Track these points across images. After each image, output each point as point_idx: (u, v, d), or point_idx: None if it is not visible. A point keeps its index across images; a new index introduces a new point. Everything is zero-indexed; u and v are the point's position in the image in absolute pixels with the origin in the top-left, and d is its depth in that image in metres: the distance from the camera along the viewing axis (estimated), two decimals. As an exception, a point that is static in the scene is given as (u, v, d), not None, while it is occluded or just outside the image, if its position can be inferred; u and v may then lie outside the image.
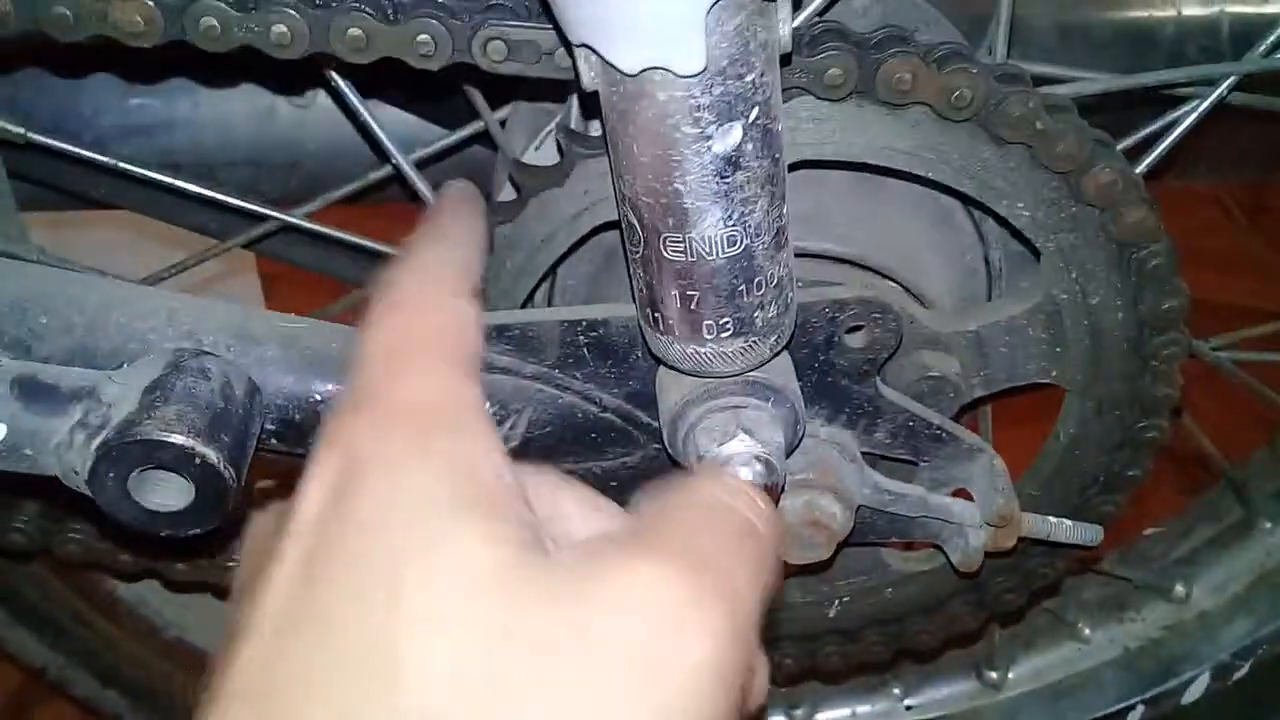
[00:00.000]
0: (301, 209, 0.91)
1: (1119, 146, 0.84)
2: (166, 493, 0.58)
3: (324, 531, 0.45)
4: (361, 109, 0.81)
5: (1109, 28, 1.12)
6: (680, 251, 0.57)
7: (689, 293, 0.58)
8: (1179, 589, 1.15)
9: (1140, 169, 0.79)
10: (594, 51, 0.51)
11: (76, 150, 0.82)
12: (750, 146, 0.54)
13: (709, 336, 0.60)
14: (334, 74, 0.78)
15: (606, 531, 0.53)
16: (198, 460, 0.56)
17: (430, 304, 0.55)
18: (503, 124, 0.92)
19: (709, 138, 0.53)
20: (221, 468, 0.56)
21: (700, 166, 0.54)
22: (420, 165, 0.93)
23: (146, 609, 1.05)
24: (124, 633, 1.07)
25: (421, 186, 0.83)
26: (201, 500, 0.57)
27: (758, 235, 0.57)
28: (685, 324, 0.60)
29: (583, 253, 0.79)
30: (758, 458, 0.63)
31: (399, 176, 0.86)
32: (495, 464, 0.48)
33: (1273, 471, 1.13)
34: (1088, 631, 1.18)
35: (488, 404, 0.70)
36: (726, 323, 0.59)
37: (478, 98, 0.86)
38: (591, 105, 0.56)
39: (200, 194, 0.89)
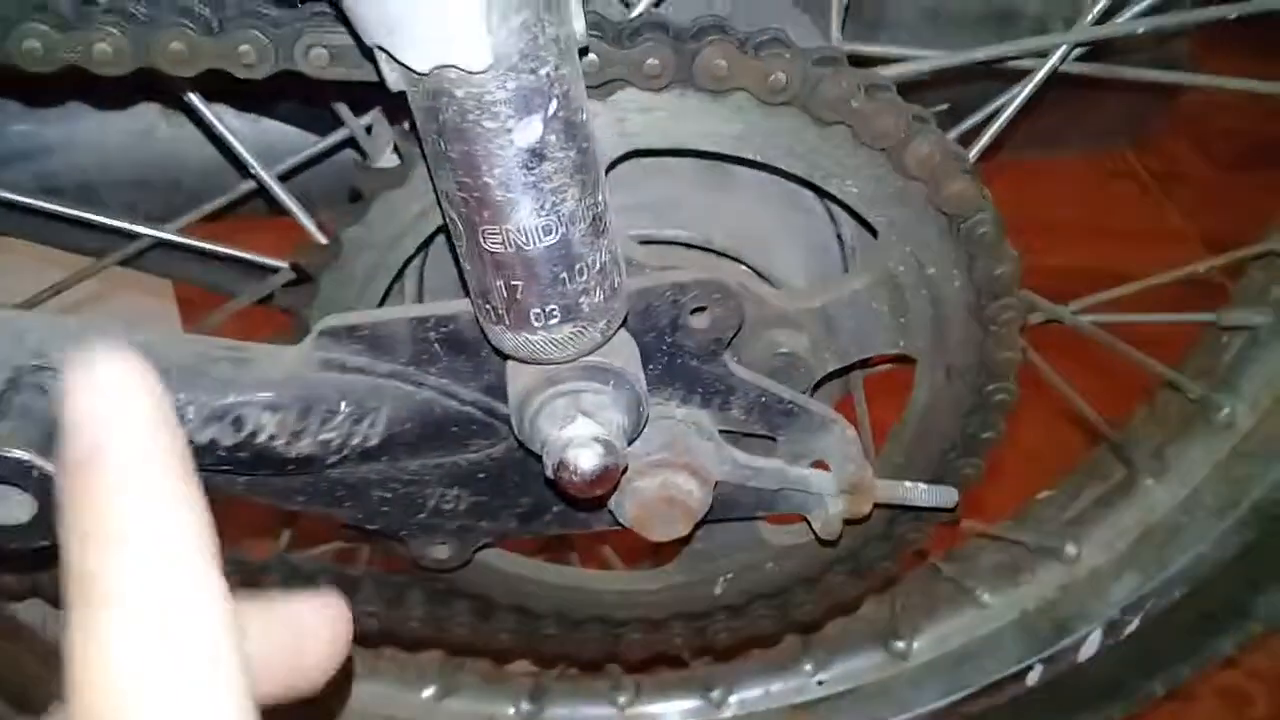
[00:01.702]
0: (173, 224, 0.92)
1: (962, 127, 0.88)
2: (10, 506, 0.59)
3: None
4: (217, 124, 0.82)
5: (974, 7, 1.16)
6: (499, 243, 0.59)
7: (513, 282, 0.60)
8: (1070, 549, 1.18)
9: (976, 149, 0.82)
10: (387, 53, 0.53)
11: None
12: (553, 138, 0.56)
13: (538, 324, 0.62)
14: (190, 93, 0.80)
15: None
16: (35, 473, 0.57)
17: None
18: (370, 130, 0.94)
19: (510, 131, 0.55)
20: (59, 478, 0.57)
21: (505, 160, 0.56)
22: (291, 174, 0.94)
23: (47, 630, 1.05)
24: (30, 655, 1.07)
25: (284, 197, 0.85)
26: (45, 512, 0.58)
27: (573, 223, 0.59)
28: (514, 313, 0.62)
29: (443, 253, 0.81)
30: (597, 439, 0.65)
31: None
32: None
33: (1151, 430, 1.17)
34: (986, 597, 1.21)
35: (344, 403, 0.72)
36: (553, 310, 0.61)
37: (342, 105, 0.88)
38: (402, 106, 0.58)
39: (71, 215, 0.90)
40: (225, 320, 0.94)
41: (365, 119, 0.91)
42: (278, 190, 0.84)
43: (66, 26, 0.63)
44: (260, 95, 0.93)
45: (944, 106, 1.15)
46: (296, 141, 1.00)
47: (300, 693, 0.48)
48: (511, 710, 1.22)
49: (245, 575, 0.92)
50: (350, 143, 0.95)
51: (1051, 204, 2.59)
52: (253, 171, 0.84)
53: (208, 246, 0.88)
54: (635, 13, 0.73)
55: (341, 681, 0.52)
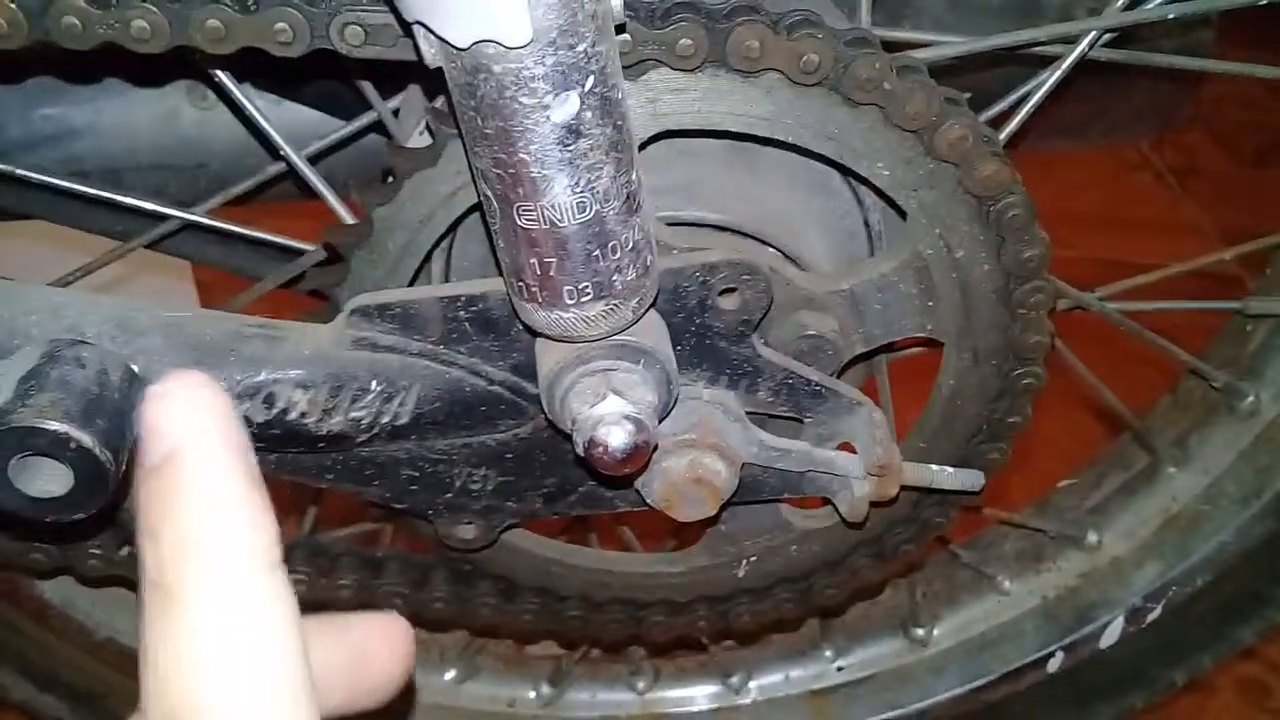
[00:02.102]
0: (201, 207, 0.93)
1: (991, 111, 0.88)
2: (47, 479, 0.59)
3: None
4: (248, 105, 0.83)
5: (997, -8, 1.15)
6: (533, 220, 0.59)
7: (546, 260, 0.61)
8: (1092, 537, 1.18)
9: (1006, 132, 0.82)
10: (427, 28, 0.53)
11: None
12: (589, 114, 0.56)
13: (570, 302, 0.62)
14: (220, 73, 0.80)
15: None
16: (73, 445, 0.57)
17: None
18: (397, 113, 0.94)
19: (547, 107, 0.55)
20: (98, 451, 0.58)
21: (541, 136, 0.56)
22: (319, 157, 0.95)
23: (76, 611, 1.06)
24: (56, 636, 1.08)
25: (314, 179, 0.85)
26: (81, 484, 0.59)
27: (607, 200, 0.59)
28: (547, 291, 0.62)
29: (473, 234, 0.81)
30: (628, 417, 0.65)
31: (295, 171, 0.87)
32: None
33: (1174, 418, 1.17)
34: (1008, 584, 1.21)
35: (375, 382, 0.72)
36: (586, 287, 0.62)
37: (368, 87, 0.88)
38: (439, 83, 0.58)
39: (99, 196, 0.90)
40: (251, 303, 0.94)
41: (392, 102, 0.92)
42: (307, 171, 0.85)
43: (104, 3, 0.63)
44: (287, 77, 0.94)
45: (965, 95, 1.15)
46: (320, 125, 1.01)
47: (364, 708, 0.49)
48: (532, 694, 1.23)
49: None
50: (376, 126, 0.95)
51: (1069, 195, 2.59)
52: (282, 153, 0.84)
53: (237, 229, 0.89)
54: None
55: (405, 695, 0.53)
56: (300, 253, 0.89)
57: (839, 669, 1.25)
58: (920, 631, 1.22)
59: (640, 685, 1.23)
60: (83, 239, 1.04)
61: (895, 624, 1.23)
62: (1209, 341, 1.17)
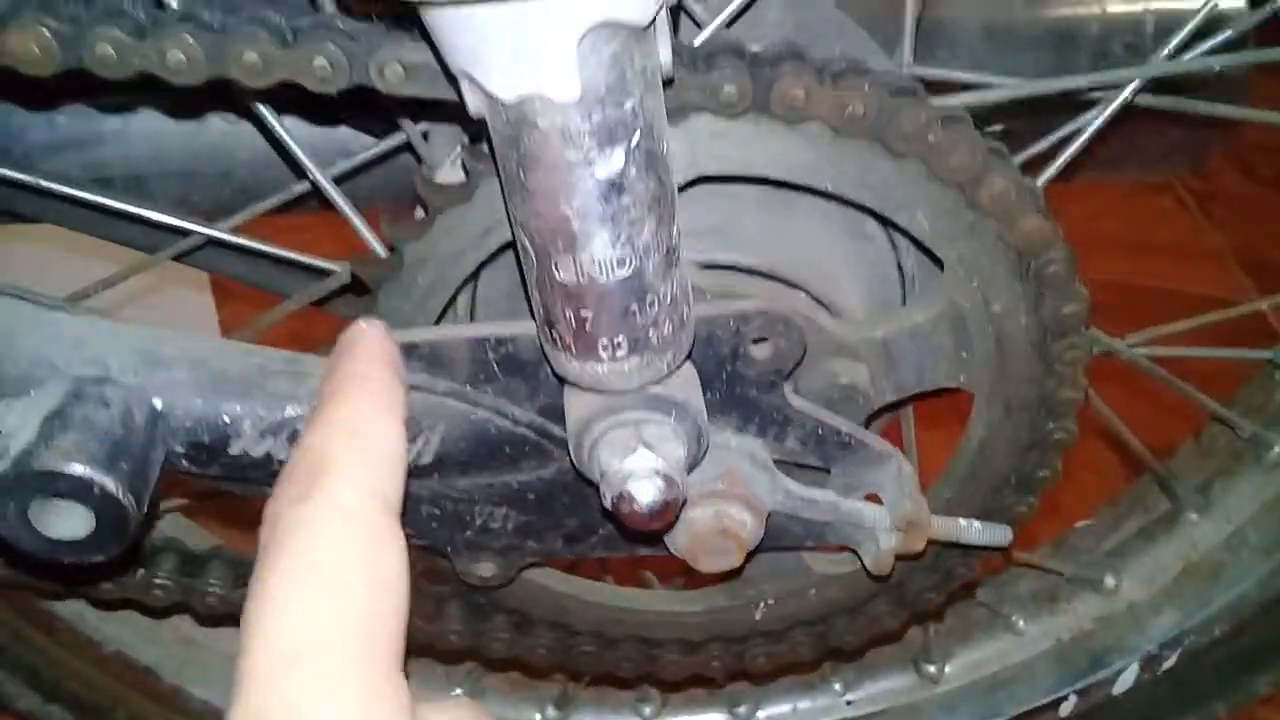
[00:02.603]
0: (226, 222, 0.91)
1: (1029, 152, 0.86)
2: (68, 521, 0.59)
3: None
4: (277, 126, 0.81)
5: (1034, 26, 1.14)
6: (571, 273, 0.58)
7: (583, 313, 0.59)
8: (1109, 581, 1.17)
9: (1044, 178, 0.81)
10: (473, 80, 0.52)
11: (-3, 170, 0.82)
12: (634, 170, 0.55)
13: (605, 355, 0.61)
14: (261, 106, 0.79)
15: None
16: (96, 489, 0.56)
17: (350, 576, 0.46)
18: (426, 135, 0.93)
19: (592, 162, 0.54)
20: (120, 495, 0.57)
21: (585, 191, 0.55)
22: (346, 176, 0.94)
23: (84, 625, 1.05)
24: (64, 649, 1.07)
25: (341, 202, 0.84)
26: (102, 528, 0.58)
27: (647, 255, 0.58)
28: (581, 343, 0.61)
29: (501, 265, 0.80)
30: (658, 472, 0.64)
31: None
32: None
33: (1198, 465, 1.16)
34: (1022, 624, 1.20)
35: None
36: (621, 341, 0.60)
37: (400, 110, 0.87)
38: (481, 130, 0.57)
39: (122, 209, 0.89)
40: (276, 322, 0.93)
41: (423, 125, 0.91)
42: (335, 196, 0.83)
43: (140, 33, 0.62)
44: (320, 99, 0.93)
45: (998, 128, 1.13)
46: (350, 141, 1.00)
47: None
48: (537, 716, 1.22)
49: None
50: (406, 145, 0.94)
51: (1091, 218, 2.57)
52: (310, 177, 0.83)
53: (262, 247, 0.87)
54: (706, 32, 0.72)
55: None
56: (326, 272, 0.88)
57: (848, 703, 1.23)
58: (932, 668, 1.21)
59: (647, 712, 1.22)
60: (92, 243, 1.02)
61: (907, 659, 1.22)
62: (1238, 384, 1.15)
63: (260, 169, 1.04)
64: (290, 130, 0.83)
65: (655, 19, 0.52)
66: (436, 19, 0.50)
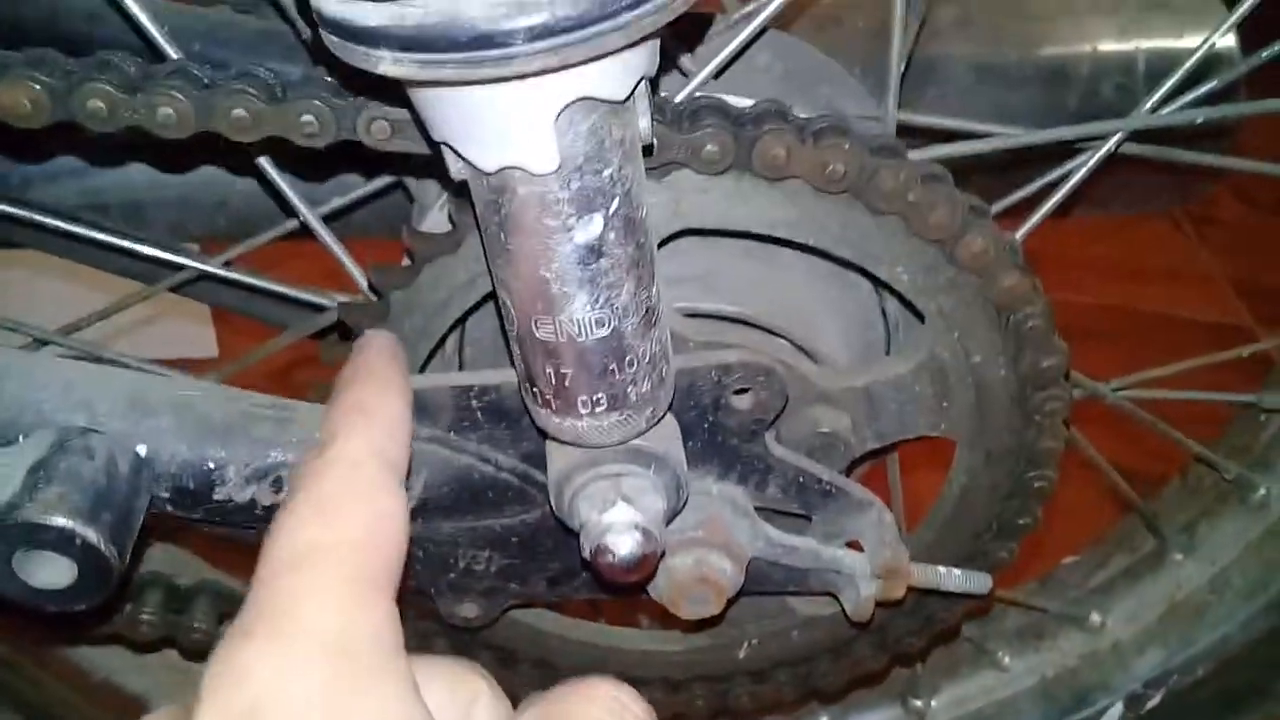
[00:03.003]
0: (219, 256, 0.92)
1: (1013, 198, 0.87)
2: (52, 570, 0.59)
3: None
4: (270, 170, 0.82)
5: (1025, 67, 1.15)
6: (551, 333, 0.59)
7: (562, 371, 0.60)
8: (1094, 618, 1.18)
9: (1024, 230, 0.81)
10: (454, 150, 0.53)
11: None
12: (612, 235, 0.56)
13: (584, 411, 0.62)
14: (261, 160, 0.80)
15: None
16: (78, 541, 0.57)
17: (348, 509, 0.52)
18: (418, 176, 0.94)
19: (570, 229, 0.55)
20: (103, 547, 0.58)
21: (564, 255, 0.56)
22: (340, 213, 0.95)
23: (74, 653, 1.06)
24: (53, 676, 1.07)
25: (331, 244, 0.85)
26: (85, 578, 0.59)
27: (626, 316, 0.59)
28: (561, 399, 0.62)
29: (488, 309, 0.81)
30: (636, 526, 0.65)
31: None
32: (409, 713, 0.46)
33: (1184, 504, 1.16)
34: (1007, 660, 1.21)
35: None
36: (601, 399, 0.61)
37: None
38: (463, 191, 0.58)
39: (116, 244, 0.90)
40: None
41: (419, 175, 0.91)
42: (326, 237, 0.84)
43: (130, 89, 0.63)
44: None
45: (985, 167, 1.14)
46: (344, 177, 1.01)
47: None
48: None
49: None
50: (399, 184, 0.95)
51: (1085, 241, 2.58)
52: (302, 219, 0.84)
53: (254, 282, 0.88)
54: (690, 87, 0.73)
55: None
56: (321, 309, 0.88)
57: (834, 736, 1.24)
58: (918, 703, 1.22)
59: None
60: (88, 270, 1.03)
61: (894, 693, 1.23)
62: (1222, 423, 1.16)
63: (256, 198, 1.05)
64: (284, 170, 0.84)
65: (634, 91, 0.52)
66: (417, 94, 0.51)
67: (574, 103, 0.50)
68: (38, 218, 0.87)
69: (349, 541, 0.50)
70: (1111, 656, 1.17)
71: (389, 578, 0.50)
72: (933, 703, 1.22)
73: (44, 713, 1.08)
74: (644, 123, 0.55)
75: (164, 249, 0.90)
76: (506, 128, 0.50)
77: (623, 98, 0.51)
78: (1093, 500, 1.47)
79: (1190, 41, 1.11)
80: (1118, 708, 1.16)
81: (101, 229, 0.89)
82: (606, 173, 0.54)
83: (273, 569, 0.49)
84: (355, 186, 0.95)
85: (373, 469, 0.54)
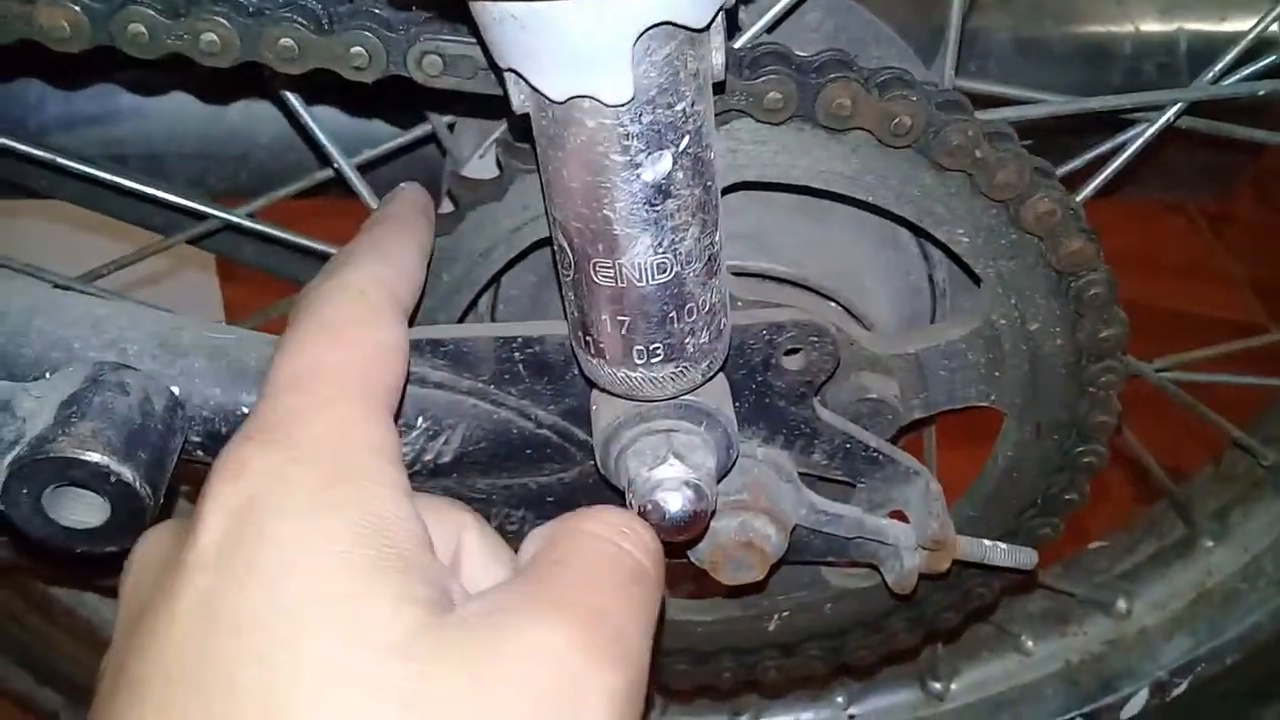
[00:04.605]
0: (244, 207, 0.90)
1: (1067, 167, 0.85)
2: (83, 509, 0.57)
3: (224, 574, 0.44)
4: (303, 113, 0.80)
5: (1067, 43, 1.12)
6: (610, 277, 0.56)
7: (619, 318, 0.58)
8: (1121, 604, 1.16)
9: (1082, 195, 0.79)
10: (521, 76, 0.50)
11: (7, 142, 0.80)
12: (681, 175, 0.53)
13: (640, 362, 0.59)
14: (291, 96, 0.77)
15: (506, 584, 0.52)
16: (113, 478, 0.55)
17: (351, 332, 0.53)
18: (452, 127, 0.91)
19: (638, 165, 0.52)
20: (138, 486, 0.55)
21: (630, 194, 0.53)
22: (369, 165, 0.92)
23: (84, 608, 1.04)
24: (60, 631, 1.05)
25: (364, 191, 0.82)
26: (118, 518, 0.56)
27: (689, 262, 0.56)
28: (616, 349, 0.59)
29: (527, 263, 0.78)
30: (687, 483, 0.62)
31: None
32: (403, 516, 0.47)
33: (1216, 490, 1.15)
34: (1030, 644, 1.19)
35: (421, 418, 0.70)
36: (657, 348, 0.59)
37: (432, 102, 0.85)
38: (523, 126, 0.55)
39: (140, 190, 0.87)
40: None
41: (449, 117, 0.89)
42: (359, 185, 0.81)
43: (174, 12, 0.60)
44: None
45: (1026, 142, 1.12)
46: (373, 130, 0.98)
47: None
48: None
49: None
50: (432, 137, 0.92)
51: (1101, 236, 2.56)
52: (335, 165, 0.81)
53: (281, 235, 0.86)
54: (748, 35, 0.71)
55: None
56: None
57: (851, 716, 1.22)
58: (938, 685, 1.20)
59: (649, 717, 1.21)
60: (105, 221, 1.01)
61: (912, 675, 1.21)
62: (1255, 411, 1.14)
63: (279, 152, 1.02)
64: (315, 115, 0.82)
65: (713, 21, 0.50)
66: (485, 14, 0.48)
67: (654, 27, 0.47)
68: (61, 160, 0.85)
69: (350, 363, 0.52)
70: (1138, 643, 1.15)
71: (389, 400, 0.52)
72: (952, 685, 1.20)
73: (49, 667, 1.06)
74: (719, 58, 0.53)
75: (185, 197, 0.87)
76: (582, 52, 0.47)
77: (703, 25, 0.49)
78: (1122, 485, 1.46)
79: (1232, 25, 1.09)
80: (1143, 695, 1.14)
81: (127, 177, 0.87)
82: (680, 107, 0.51)
83: (275, 386, 0.51)
84: (386, 141, 0.93)
85: (377, 298, 0.56)
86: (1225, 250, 2.78)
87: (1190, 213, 2.85)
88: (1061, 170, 0.85)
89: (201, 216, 0.90)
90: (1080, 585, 1.17)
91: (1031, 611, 1.20)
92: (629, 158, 0.52)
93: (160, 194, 0.86)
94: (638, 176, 0.52)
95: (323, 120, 0.83)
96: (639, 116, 0.51)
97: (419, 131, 0.91)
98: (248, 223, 0.88)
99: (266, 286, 0.98)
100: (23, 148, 0.81)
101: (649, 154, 0.52)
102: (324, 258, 0.87)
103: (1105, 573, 1.19)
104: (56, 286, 0.91)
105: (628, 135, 0.51)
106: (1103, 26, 1.12)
